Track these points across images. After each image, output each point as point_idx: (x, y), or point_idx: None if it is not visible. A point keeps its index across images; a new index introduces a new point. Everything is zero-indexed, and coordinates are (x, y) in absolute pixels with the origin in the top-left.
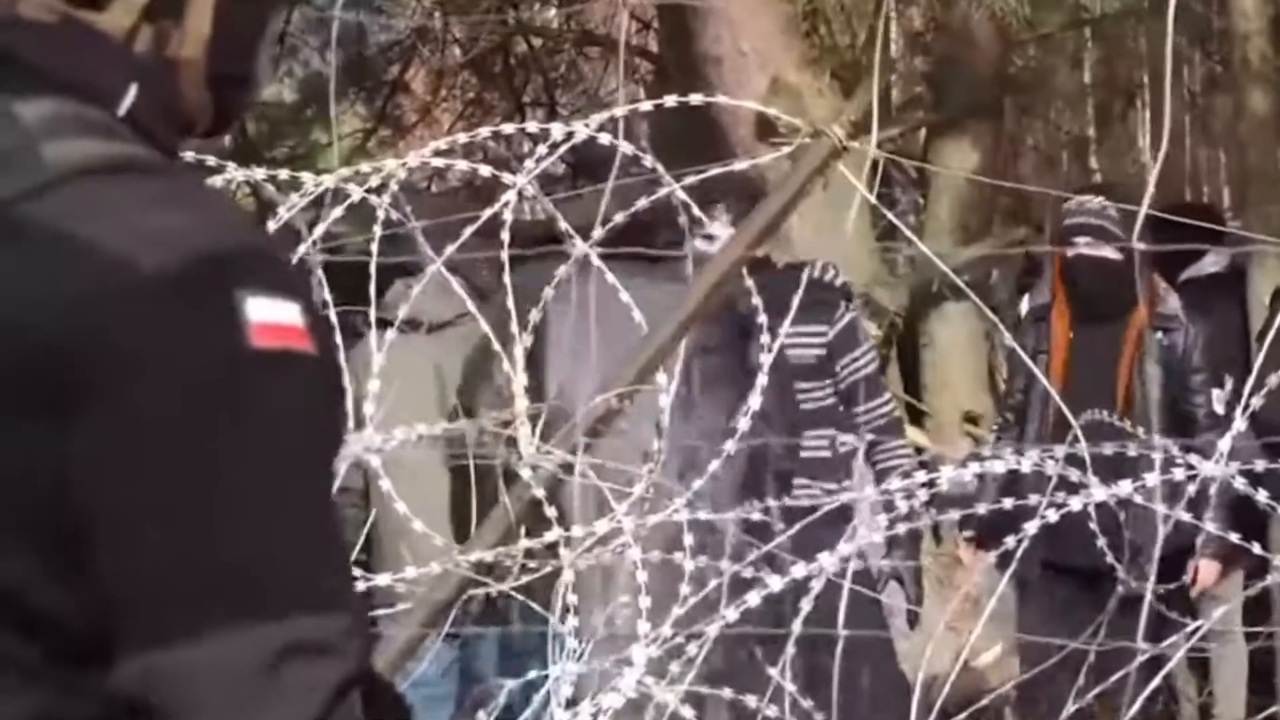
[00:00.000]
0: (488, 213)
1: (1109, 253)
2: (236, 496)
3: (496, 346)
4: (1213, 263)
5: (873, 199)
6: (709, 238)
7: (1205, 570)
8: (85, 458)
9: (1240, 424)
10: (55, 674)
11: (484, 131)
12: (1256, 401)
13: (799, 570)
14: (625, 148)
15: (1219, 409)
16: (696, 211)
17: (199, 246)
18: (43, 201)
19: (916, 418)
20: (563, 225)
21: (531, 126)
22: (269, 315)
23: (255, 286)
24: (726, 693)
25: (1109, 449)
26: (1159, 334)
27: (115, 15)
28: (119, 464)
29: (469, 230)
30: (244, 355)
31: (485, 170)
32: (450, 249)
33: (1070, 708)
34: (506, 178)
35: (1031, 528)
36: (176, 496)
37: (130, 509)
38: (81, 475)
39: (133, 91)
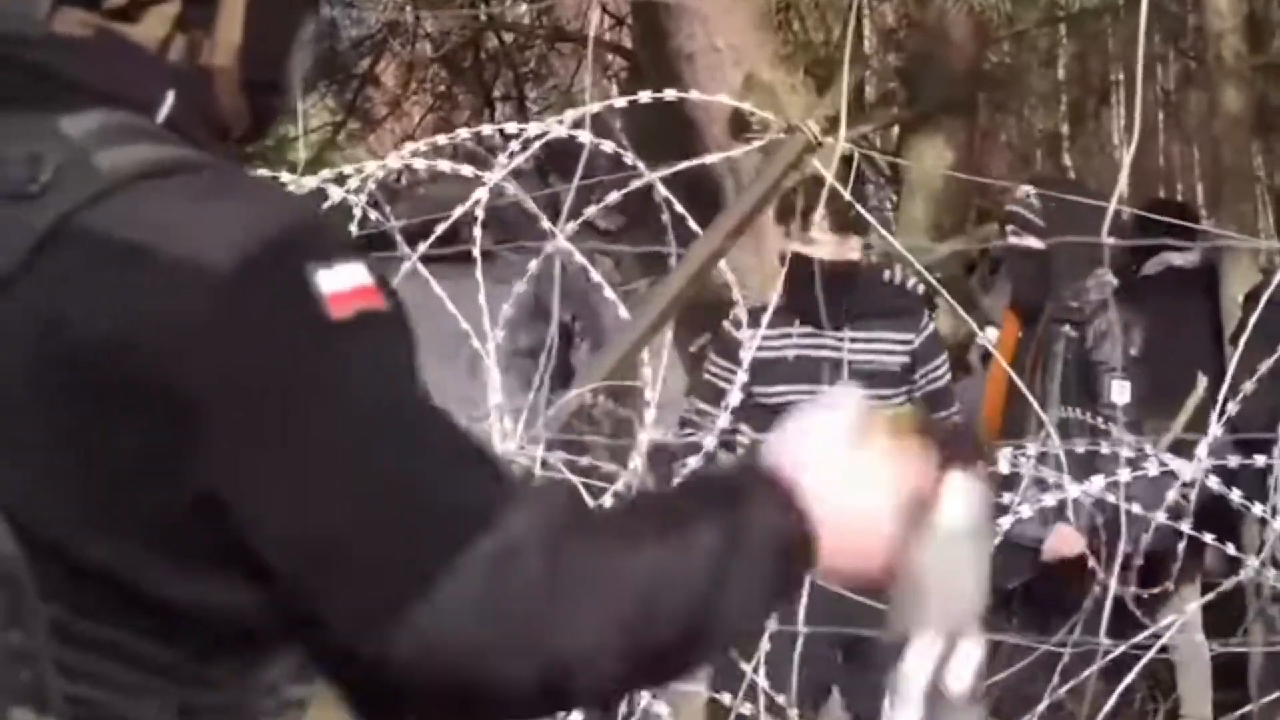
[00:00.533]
0: (459, 210)
1: (1032, 243)
2: (344, 461)
3: (475, 343)
4: (1179, 259)
5: (846, 194)
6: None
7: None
8: (194, 457)
9: (1216, 429)
10: (202, 668)
11: (463, 133)
12: (1233, 407)
13: None
14: (606, 146)
15: (1118, 399)
16: (678, 207)
17: (258, 235)
18: (101, 210)
19: None
20: (543, 221)
21: (511, 127)
22: (340, 282)
23: (321, 257)
24: (701, 689)
25: (1080, 446)
26: (1065, 326)
27: (149, 27)
28: (234, 460)
29: (441, 228)
30: (325, 329)
31: (465, 170)
32: (423, 247)
33: (1041, 706)
34: (478, 173)
35: (1005, 523)
36: (305, 475)
37: (264, 499)
38: (200, 473)
39: (170, 99)
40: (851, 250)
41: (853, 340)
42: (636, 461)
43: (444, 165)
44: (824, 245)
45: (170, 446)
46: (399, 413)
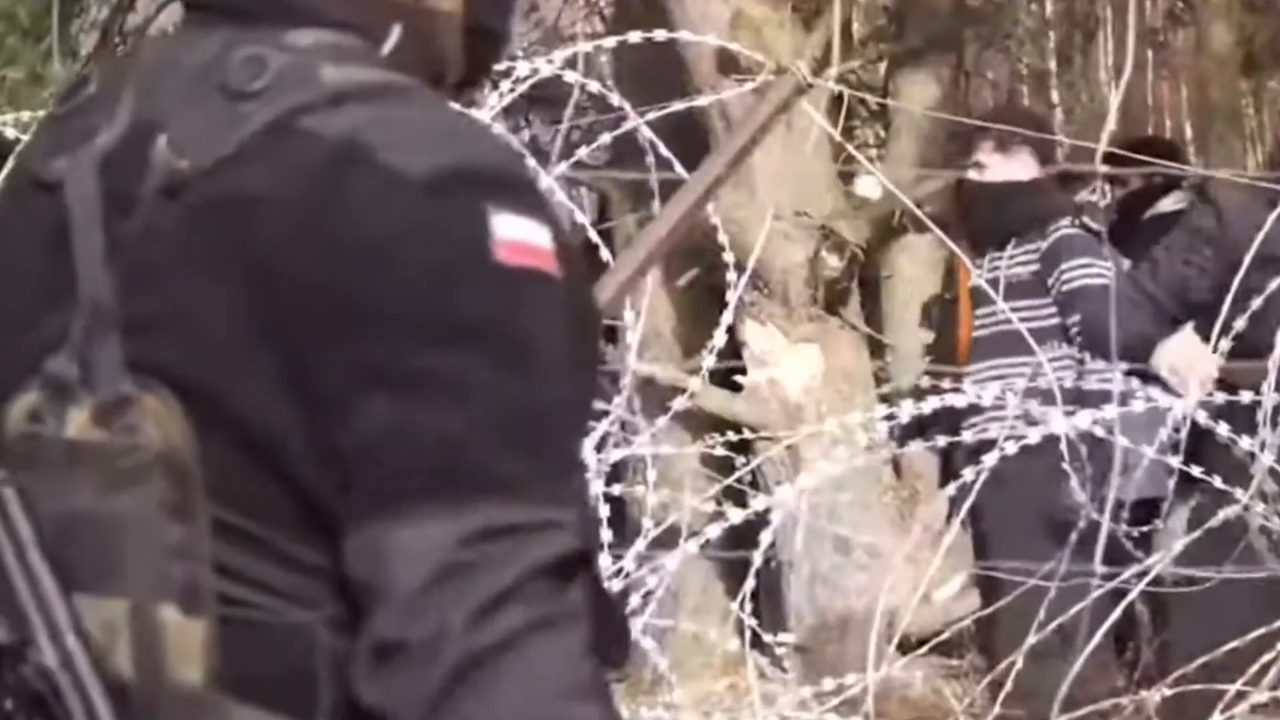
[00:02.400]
0: None
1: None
2: (451, 387)
3: None
4: (1167, 204)
5: (836, 133)
6: (978, 165)
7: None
8: (341, 344)
9: (1217, 360)
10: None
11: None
12: (1225, 345)
13: (759, 503)
14: (591, 85)
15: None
16: (662, 149)
17: (456, 160)
18: (323, 114)
19: (878, 350)
20: (529, 160)
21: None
22: (515, 233)
23: (506, 205)
24: (687, 625)
25: (1068, 381)
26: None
27: None
28: (362, 348)
29: None
30: (488, 264)
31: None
32: None
33: (1031, 639)
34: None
35: (990, 459)
36: (398, 384)
37: (363, 396)
38: (335, 360)
39: (396, 33)
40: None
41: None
42: (623, 396)
43: None
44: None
45: (337, 333)
46: (515, 365)
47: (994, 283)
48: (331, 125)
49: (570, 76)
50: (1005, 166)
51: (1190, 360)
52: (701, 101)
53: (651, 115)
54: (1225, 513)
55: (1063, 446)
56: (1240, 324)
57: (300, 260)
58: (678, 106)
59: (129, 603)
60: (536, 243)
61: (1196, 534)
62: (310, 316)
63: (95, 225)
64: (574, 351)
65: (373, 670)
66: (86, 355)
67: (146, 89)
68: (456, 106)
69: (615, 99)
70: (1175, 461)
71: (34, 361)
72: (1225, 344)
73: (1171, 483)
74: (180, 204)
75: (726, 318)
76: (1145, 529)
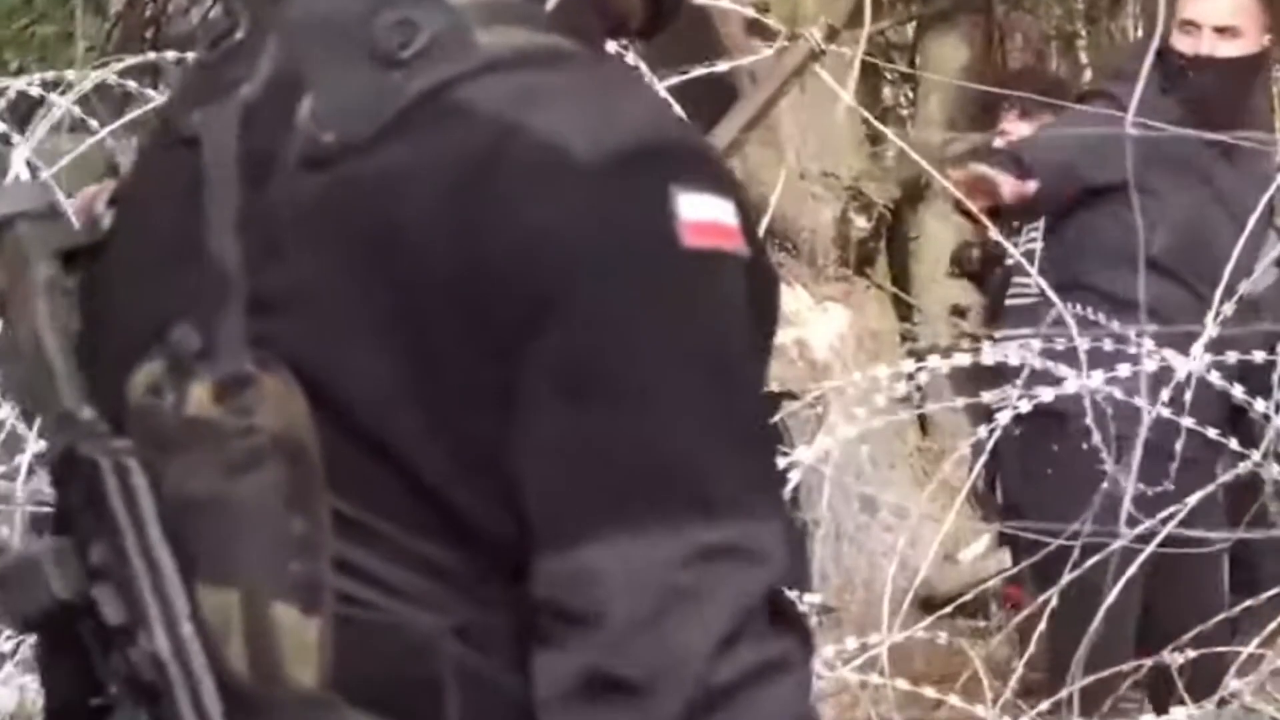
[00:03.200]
0: None
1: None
2: (652, 395)
3: None
4: None
5: (850, 100)
6: (1003, 134)
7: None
8: (505, 342)
9: (1213, 329)
10: (477, 584)
11: None
12: (1228, 308)
13: (782, 462)
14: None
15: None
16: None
17: (633, 138)
18: (478, 85)
19: (905, 311)
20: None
21: None
22: (702, 213)
23: (689, 183)
24: None
25: (1085, 342)
26: None
27: None
28: (537, 356)
29: None
30: (674, 252)
31: None
32: None
33: (1054, 602)
34: None
35: (1003, 418)
36: (592, 391)
37: (549, 403)
38: (512, 364)
39: None
40: None
41: None
42: None
43: None
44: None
45: (491, 328)
46: (712, 366)
47: (1029, 255)
48: (488, 98)
49: None
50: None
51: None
52: (721, 67)
53: (674, 80)
54: (1238, 469)
55: (1086, 403)
56: (1244, 287)
57: (450, 247)
58: (699, 72)
59: (244, 594)
60: (724, 220)
61: (1209, 489)
62: (458, 309)
63: (231, 189)
64: (757, 332)
65: (585, 703)
66: (210, 328)
67: (291, 39)
68: (624, 69)
69: (626, 48)
70: (1188, 422)
71: (160, 327)
72: (1229, 307)
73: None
74: (321, 178)
75: None
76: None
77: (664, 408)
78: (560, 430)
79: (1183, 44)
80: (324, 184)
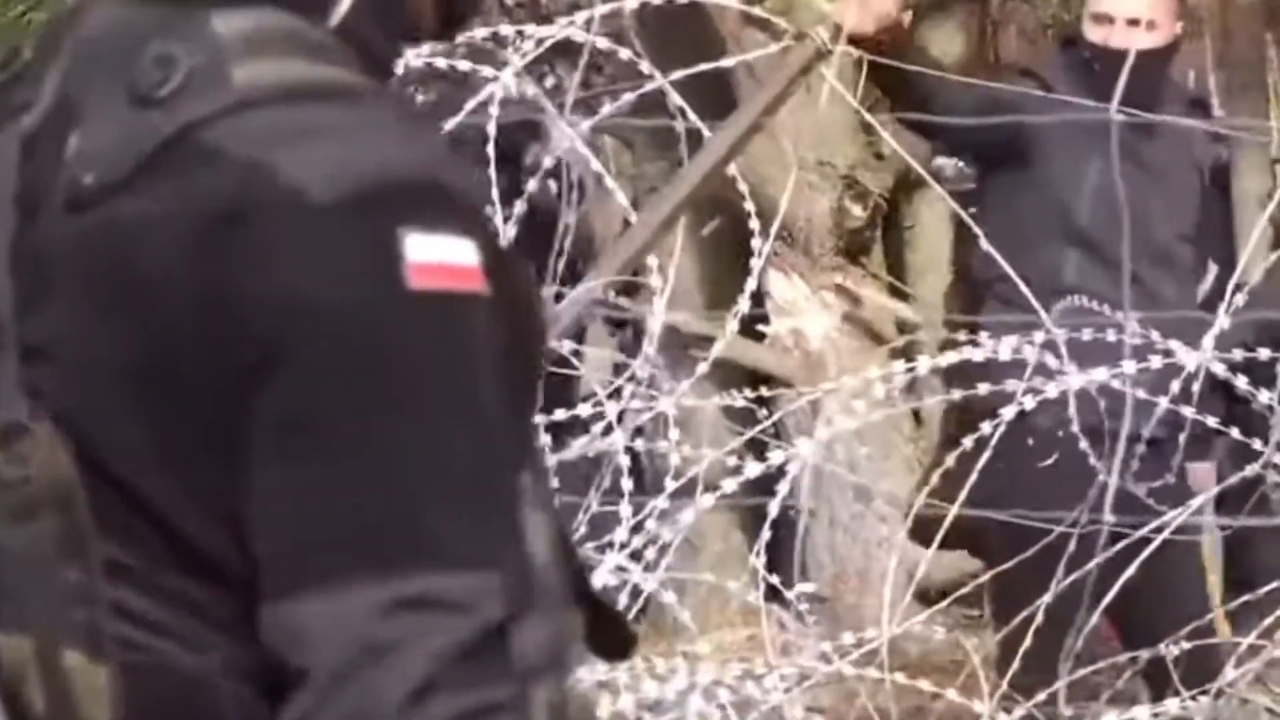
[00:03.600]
0: (471, 103)
1: None
2: (366, 446)
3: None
4: None
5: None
6: None
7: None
8: (237, 395)
9: (1224, 320)
10: (238, 623)
11: (480, 32)
12: (1240, 298)
13: (778, 456)
14: (602, 43)
15: None
16: (692, 117)
17: (370, 177)
18: (230, 124)
19: (901, 300)
20: (550, 110)
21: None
22: (431, 254)
23: (422, 223)
24: (707, 576)
25: (1087, 335)
26: None
27: None
28: (262, 407)
29: (452, 121)
30: (398, 295)
31: (477, 68)
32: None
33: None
34: (489, 72)
35: (1008, 413)
36: (309, 443)
37: (271, 454)
38: (243, 417)
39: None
40: None
41: None
42: (649, 349)
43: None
44: None
45: (226, 379)
46: (435, 415)
47: None
48: (238, 138)
49: (579, 36)
50: None
51: None
52: (726, 63)
53: (676, 75)
54: (1248, 470)
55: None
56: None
57: (192, 296)
58: (703, 67)
59: (36, 642)
60: (459, 260)
61: (1219, 489)
62: (198, 359)
63: (6, 226)
64: (510, 373)
65: None
66: None
67: (75, 64)
68: (393, 102)
69: (633, 52)
70: (1189, 412)
71: None
72: (1241, 298)
73: (1183, 435)
74: (81, 221)
75: (756, 267)
76: (1157, 484)
77: (378, 459)
78: (277, 482)
79: (1095, 35)
80: (83, 227)
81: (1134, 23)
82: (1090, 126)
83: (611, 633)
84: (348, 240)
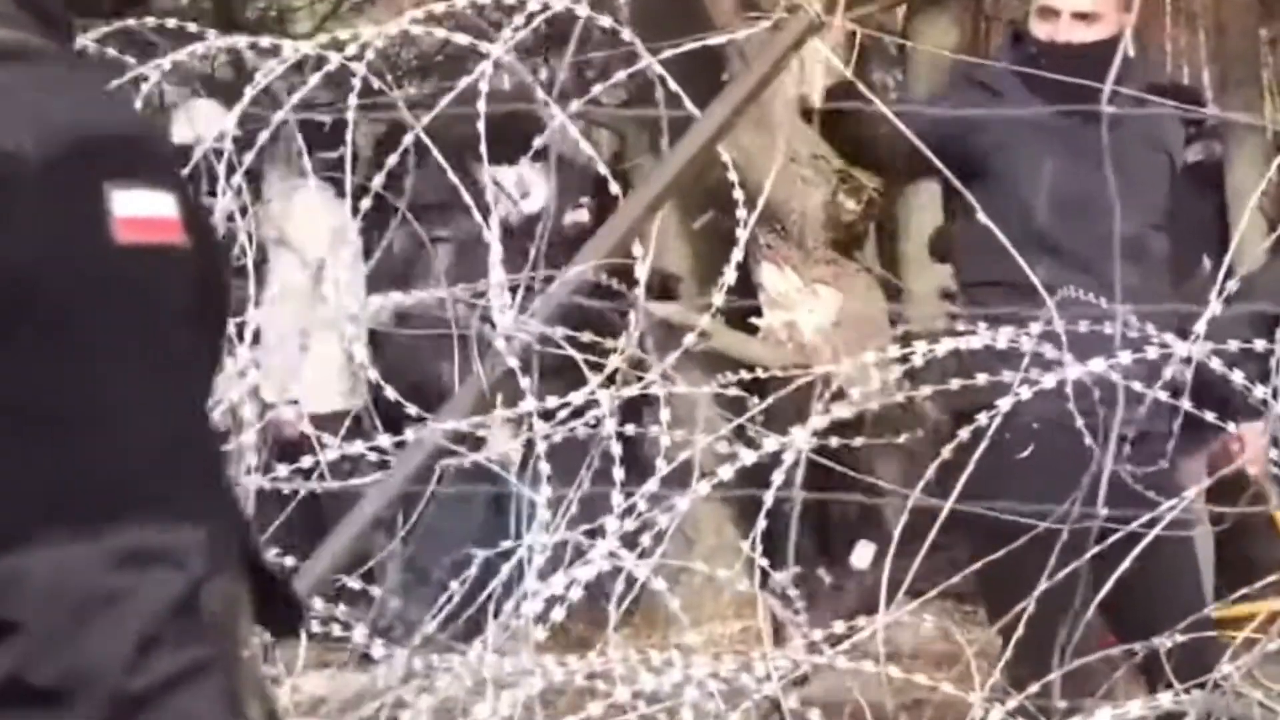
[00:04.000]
0: (464, 82)
1: None
2: (84, 401)
3: (478, 218)
4: (1190, 154)
5: (849, 73)
6: None
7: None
8: None
9: (1216, 306)
10: None
11: (460, 2)
12: (1232, 285)
13: (771, 444)
14: (604, 21)
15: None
16: (673, 85)
17: (69, 135)
18: None
19: (894, 294)
20: (539, 94)
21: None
22: (136, 208)
23: (125, 177)
24: (700, 565)
25: (1083, 326)
26: None
27: None
28: None
29: (445, 100)
30: (106, 251)
31: (461, 39)
32: (426, 119)
33: (1042, 586)
34: (483, 47)
35: (1005, 404)
36: (30, 404)
37: None
38: None
39: None
40: None
41: None
42: (633, 334)
43: (439, 33)
44: None
45: None
46: (143, 367)
47: None
48: None
49: (582, 11)
50: None
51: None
52: (715, 40)
53: (666, 54)
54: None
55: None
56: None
57: None
58: (692, 45)
59: None
60: (161, 213)
61: (1208, 482)
62: None
63: None
64: (201, 319)
65: (6, 711)
66: None
67: None
68: (75, 62)
69: (626, 35)
70: (1186, 403)
71: None
72: (1233, 285)
73: (1176, 422)
74: None
75: (736, 255)
76: (1150, 470)
77: (94, 414)
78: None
79: (1040, 30)
80: None
81: (1081, 16)
82: (1040, 125)
83: (283, 609)
84: (60, 200)
